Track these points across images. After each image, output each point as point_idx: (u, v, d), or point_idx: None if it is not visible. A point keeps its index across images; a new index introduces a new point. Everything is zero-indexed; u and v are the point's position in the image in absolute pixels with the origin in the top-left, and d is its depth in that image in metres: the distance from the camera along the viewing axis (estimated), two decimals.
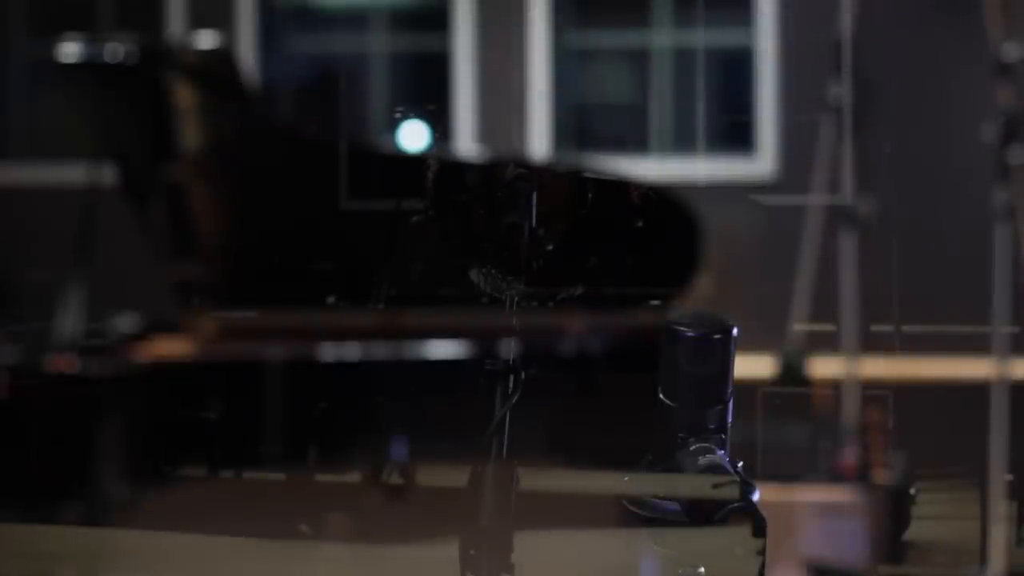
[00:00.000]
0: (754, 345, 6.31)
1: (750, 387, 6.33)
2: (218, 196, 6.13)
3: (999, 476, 6.11)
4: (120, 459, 5.14)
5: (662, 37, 9.21)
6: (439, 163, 4.39)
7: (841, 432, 5.30)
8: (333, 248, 7.24)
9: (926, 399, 6.63)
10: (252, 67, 8.50)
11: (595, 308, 5.74)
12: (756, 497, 5.91)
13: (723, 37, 9.19)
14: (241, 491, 5.84)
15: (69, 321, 6.51)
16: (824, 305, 6.25)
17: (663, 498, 6.22)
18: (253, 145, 5.30)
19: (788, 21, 8.77)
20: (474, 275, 3.67)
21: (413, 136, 7.04)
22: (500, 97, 8.62)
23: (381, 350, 5.80)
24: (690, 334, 6.11)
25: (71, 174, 7.78)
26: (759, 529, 6.11)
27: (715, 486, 6.19)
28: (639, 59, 9.35)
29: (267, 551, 5.12)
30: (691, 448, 6.03)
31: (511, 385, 3.44)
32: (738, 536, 6.31)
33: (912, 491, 6.55)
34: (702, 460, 6.01)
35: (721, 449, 6.07)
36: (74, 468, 5.26)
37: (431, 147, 4.93)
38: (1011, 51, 4.53)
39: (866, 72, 8.61)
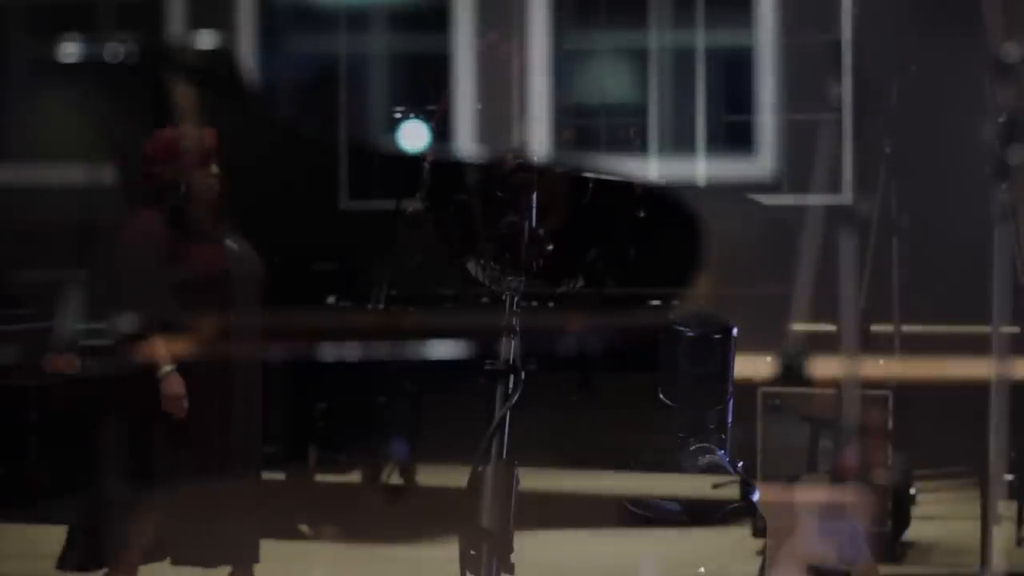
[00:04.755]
0: (754, 345, 6.31)
1: (750, 387, 6.34)
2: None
3: (999, 476, 6.09)
4: None
5: (662, 37, 9.21)
6: (439, 162, 4.39)
7: (841, 432, 5.29)
8: (333, 248, 7.23)
9: (926, 399, 6.63)
10: (252, 67, 8.51)
11: (595, 308, 5.74)
12: (756, 497, 5.92)
13: (723, 38, 9.19)
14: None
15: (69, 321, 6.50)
16: (824, 305, 6.25)
17: (663, 498, 6.22)
18: (252, 144, 5.32)
19: (788, 21, 8.77)
20: (473, 268, 3.66)
21: (412, 136, 7.05)
22: (500, 97, 8.62)
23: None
24: (690, 334, 6.11)
25: (71, 174, 7.78)
26: (759, 529, 6.12)
27: (715, 486, 6.20)
28: (639, 59, 9.35)
29: (271, 551, 5.12)
30: (691, 448, 6.02)
31: (511, 385, 3.43)
32: (738, 536, 6.32)
33: (912, 491, 6.56)
34: (702, 460, 6.00)
35: (721, 449, 6.06)
36: None
37: (430, 146, 4.93)
38: (1011, 51, 4.53)
39: (866, 72, 8.61)
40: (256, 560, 5.07)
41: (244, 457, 5.04)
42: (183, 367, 4.89)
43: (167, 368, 4.88)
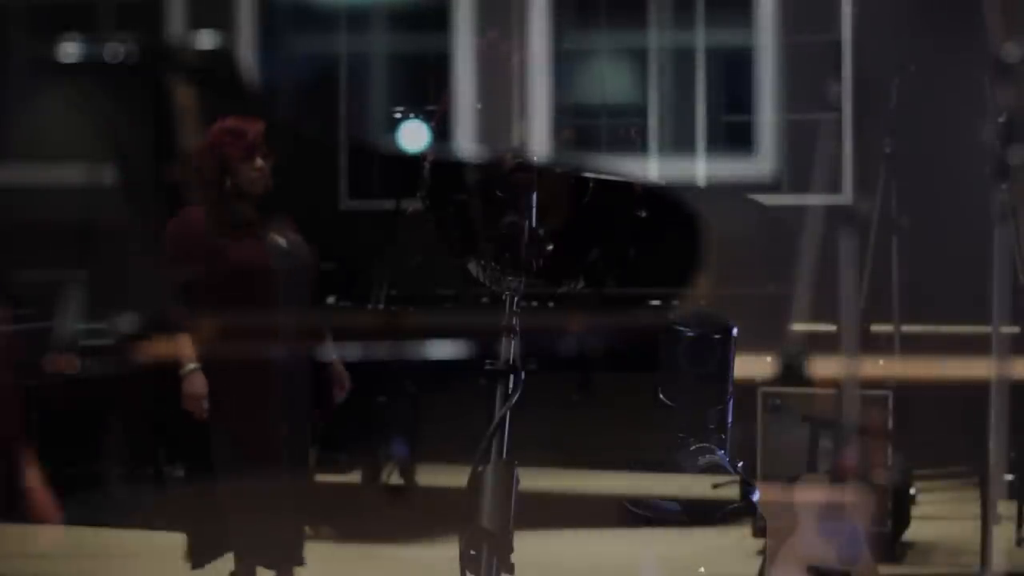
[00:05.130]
0: (754, 345, 6.31)
1: (750, 387, 6.34)
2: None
3: (999, 476, 6.08)
4: None
5: (662, 37, 9.21)
6: (439, 162, 4.39)
7: (841, 432, 5.29)
8: (333, 248, 7.23)
9: (926, 399, 6.62)
10: (252, 67, 8.51)
11: (595, 308, 5.75)
12: (756, 497, 5.92)
13: (723, 38, 9.19)
14: None
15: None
16: (824, 305, 6.26)
17: (663, 498, 6.23)
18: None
19: (788, 21, 8.77)
20: (473, 268, 3.66)
21: (412, 136, 7.05)
22: (500, 97, 8.62)
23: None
24: (690, 334, 6.11)
25: (71, 174, 7.77)
26: (759, 529, 6.12)
27: (715, 486, 6.20)
28: (639, 59, 9.35)
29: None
30: (691, 448, 6.03)
31: (511, 385, 3.43)
32: (738, 536, 6.32)
33: (912, 491, 6.56)
34: (702, 460, 6.01)
35: (721, 449, 6.06)
36: None
37: (430, 146, 4.93)
38: (1011, 51, 4.53)
39: (866, 72, 8.60)
40: (300, 563, 4.97)
41: (289, 456, 4.91)
42: (225, 364, 4.81)
43: (190, 366, 4.81)
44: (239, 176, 4.88)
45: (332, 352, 5.10)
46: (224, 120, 4.97)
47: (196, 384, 4.80)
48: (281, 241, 4.93)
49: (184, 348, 4.83)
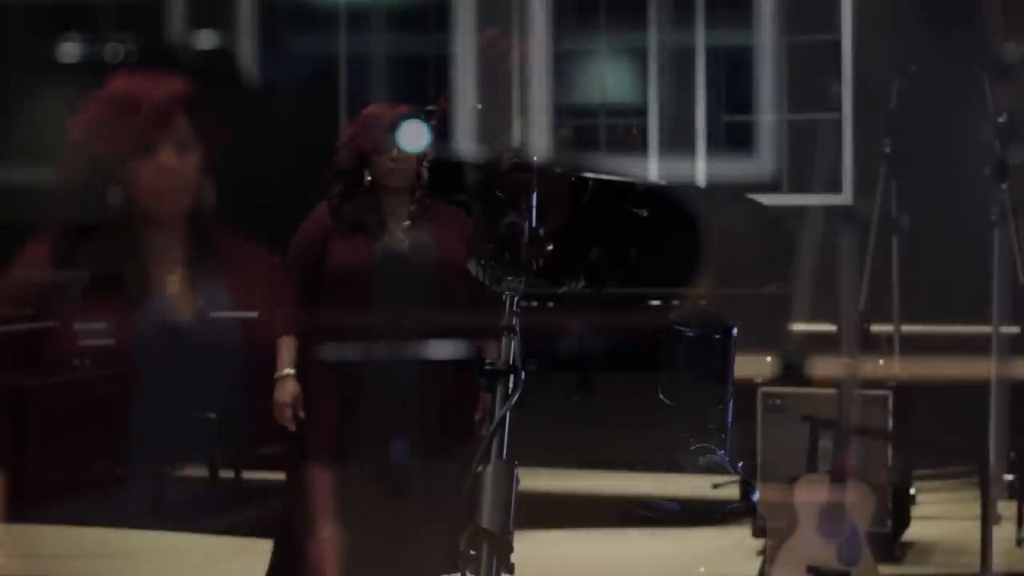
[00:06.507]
0: (754, 345, 6.31)
1: (750, 387, 6.34)
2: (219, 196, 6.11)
3: (999, 476, 6.09)
4: None
5: (662, 37, 9.21)
6: (439, 162, 4.39)
7: (841, 432, 5.30)
8: None
9: (926, 399, 6.63)
10: (252, 67, 8.51)
11: (595, 308, 5.74)
12: (756, 497, 5.92)
13: (723, 38, 9.19)
14: None
15: None
16: (824, 305, 6.25)
17: (664, 498, 6.23)
18: (251, 144, 5.31)
19: (788, 21, 8.78)
20: (473, 268, 3.66)
21: (412, 136, 7.04)
22: (500, 97, 8.62)
23: None
24: (690, 334, 6.11)
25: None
26: (759, 529, 6.12)
27: (715, 486, 6.20)
28: (639, 59, 9.35)
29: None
30: (691, 448, 6.03)
31: (511, 385, 3.43)
32: (738, 536, 6.33)
33: (912, 491, 6.56)
34: (702, 460, 6.01)
35: (721, 449, 6.06)
36: None
37: (430, 146, 4.89)
38: (1011, 51, 4.53)
39: (866, 72, 8.61)
40: None
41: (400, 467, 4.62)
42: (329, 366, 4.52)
43: (285, 371, 4.51)
44: (375, 169, 4.53)
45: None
46: (367, 107, 4.63)
47: (285, 389, 4.52)
48: (399, 241, 4.56)
49: (284, 352, 4.53)
